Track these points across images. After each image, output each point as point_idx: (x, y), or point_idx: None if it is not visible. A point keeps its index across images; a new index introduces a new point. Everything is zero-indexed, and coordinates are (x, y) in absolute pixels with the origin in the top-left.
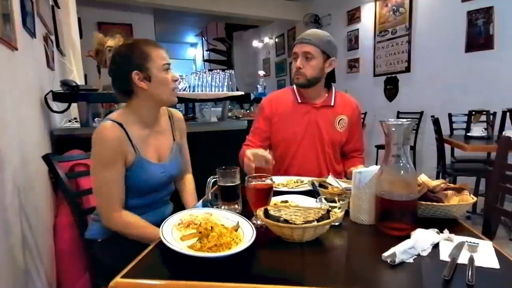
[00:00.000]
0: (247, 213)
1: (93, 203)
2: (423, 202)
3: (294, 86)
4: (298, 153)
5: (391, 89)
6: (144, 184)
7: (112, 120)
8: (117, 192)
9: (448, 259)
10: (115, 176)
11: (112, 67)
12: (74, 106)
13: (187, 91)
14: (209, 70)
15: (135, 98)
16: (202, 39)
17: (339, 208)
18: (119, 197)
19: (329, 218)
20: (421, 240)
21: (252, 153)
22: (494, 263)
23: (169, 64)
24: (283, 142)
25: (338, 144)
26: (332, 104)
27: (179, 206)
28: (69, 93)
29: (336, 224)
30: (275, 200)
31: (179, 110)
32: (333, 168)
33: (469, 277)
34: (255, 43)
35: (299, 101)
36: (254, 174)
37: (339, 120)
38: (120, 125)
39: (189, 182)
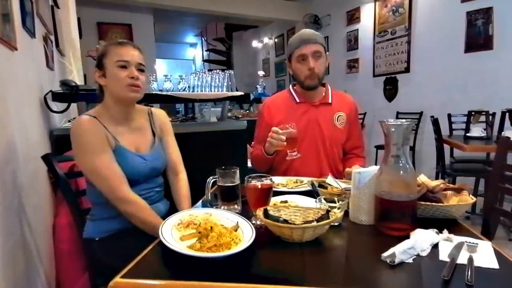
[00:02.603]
0: (247, 213)
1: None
2: (423, 203)
3: (291, 88)
4: (299, 151)
5: (390, 90)
6: (127, 174)
7: (86, 115)
8: (118, 171)
9: (448, 259)
10: (109, 158)
11: None
12: (74, 106)
13: (186, 91)
14: (208, 70)
15: (105, 96)
16: (201, 39)
17: (339, 208)
18: (122, 175)
19: (328, 218)
20: (421, 240)
21: (276, 130)
22: (493, 263)
23: (126, 61)
24: None
25: (339, 141)
26: (329, 101)
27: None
28: (68, 93)
29: (336, 224)
30: (274, 200)
31: (179, 110)
32: (336, 168)
33: (469, 277)
34: (255, 43)
35: (298, 100)
36: (254, 175)
37: (338, 117)
38: (95, 118)
39: (182, 184)
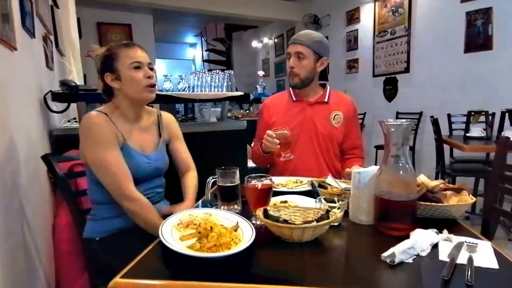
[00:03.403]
0: (247, 213)
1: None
2: (422, 203)
3: (290, 88)
4: (295, 150)
5: (390, 90)
6: (131, 173)
7: (97, 111)
8: (126, 168)
9: (447, 259)
10: (118, 155)
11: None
12: (73, 106)
13: (186, 91)
14: (208, 70)
15: (116, 97)
16: (201, 39)
17: (339, 208)
18: (129, 173)
19: (328, 218)
20: (420, 240)
21: (270, 133)
22: (493, 263)
23: (139, 62)
24: None
25: (335, 139)
26: (326, 100)
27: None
28: (68, 93)
29: (336, 224)
30: (274, 200)
31: (179, 110)
32: (333, 165)
33: (468, 277)
34: (255, 44)
35: (294, 99)
36: (254, 175)
37: (334, 116)
38: (105, 114)
39: (191, 178)
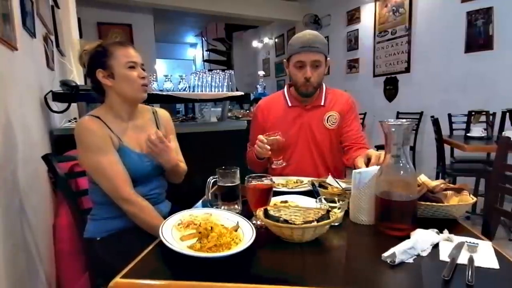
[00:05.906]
0: (247, 213)
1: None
2: (423, 203)
3: (285, 90)
4: (293, 157)
5: (390, 90)
6: (130, 174)
7: (89, 115)
8: (123, 171)
9: (448, 260)
10: (114, 158)
11: (86, 68)
12: (74, 106)
13: (187, 91)
14: (209, 70)
15: (107, 96)
16: (202, 39)
17: (339, 208)
18: (127, 175)
19: (328, 218)
20: (421, 240)
21: (261, 138)
22: (493, 264)
23: (134, 62)
24: None
25: (333, 141)
26: (322, 103)
27: (177, 205)
28: (69, 93)
29: (336, 224)
30: (274, 200)
31: (179, 110)
32: (334, 168)
33: (469, 277)
34: (255, 44)
35: (290, 104)
36: (254, 175)
37: (328, 117)
38: (98, 118)
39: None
